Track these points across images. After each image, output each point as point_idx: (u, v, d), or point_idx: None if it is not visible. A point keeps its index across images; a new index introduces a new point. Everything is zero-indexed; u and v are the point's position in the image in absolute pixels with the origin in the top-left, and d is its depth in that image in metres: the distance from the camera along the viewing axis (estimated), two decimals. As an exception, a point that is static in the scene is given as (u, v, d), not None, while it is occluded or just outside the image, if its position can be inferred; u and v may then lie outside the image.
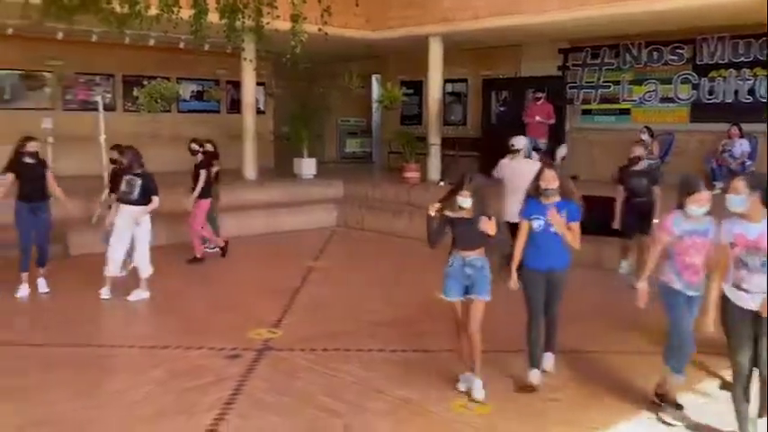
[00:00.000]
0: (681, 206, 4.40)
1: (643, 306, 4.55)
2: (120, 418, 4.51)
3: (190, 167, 9.49)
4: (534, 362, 5.04)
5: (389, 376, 5.22)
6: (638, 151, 7.85)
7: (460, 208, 4.72)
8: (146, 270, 7.46)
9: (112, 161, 8.58)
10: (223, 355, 5.64)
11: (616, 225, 7.90)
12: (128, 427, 4.36)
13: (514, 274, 5.01)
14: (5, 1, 8.83)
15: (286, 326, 6.49)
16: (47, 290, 7.50)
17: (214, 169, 9.59)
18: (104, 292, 7.33)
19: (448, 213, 4.80)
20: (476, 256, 4.79)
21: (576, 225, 4.96)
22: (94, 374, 5.28)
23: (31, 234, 7.39)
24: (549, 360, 5.26)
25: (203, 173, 9.08)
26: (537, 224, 4.95)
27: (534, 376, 5.00)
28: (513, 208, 7.02)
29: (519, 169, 7.55)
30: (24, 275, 7.37)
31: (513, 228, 7.30)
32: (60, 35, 11.51)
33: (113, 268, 7.35)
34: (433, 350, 5.82)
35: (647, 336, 5.93)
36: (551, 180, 4.94)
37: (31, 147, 7.40)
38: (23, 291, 7.36)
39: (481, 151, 14.90)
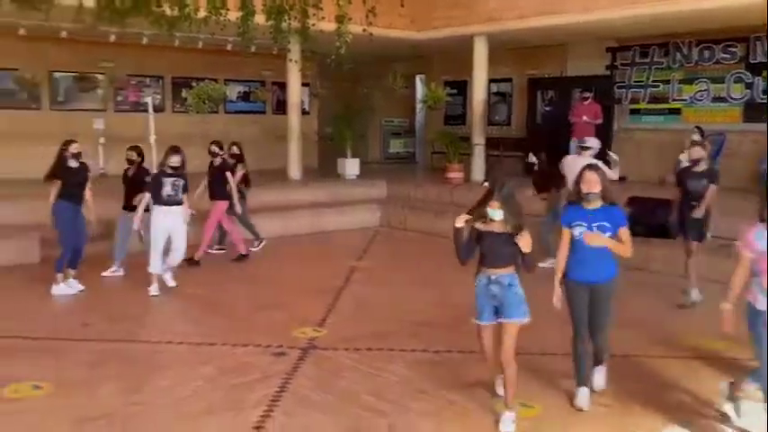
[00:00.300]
0: (763, 219, 4.02)
1: (728, 331, 4.17)
2: (169, 413, 4.59)
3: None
4: (581, 380, 4.69)
5: (433, 377, 5.21)
6: (699, 153, 7.46)
7: (491, 220, 4.30)
8: (177, 260, 7.75)
9: (129, 161, 8.31)
10: (269, 353, 5.71)
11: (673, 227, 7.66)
12: (177, 423, 4.44)
13: (558, 289, 4.65)
14: (60, 5, 9.06)
15: (330, 325, 6.54)
16: (81, 287, 7.54)
17: (240, 172, 9.61)
18: (153, 289, 7.50)
19: (478, 226, 4.38)
20: (504, 273, 4.36)
21: (624, 231, 4.57)
22: (144, 370, 5.39)
23: (72, 235, 7.41)
24: (599, 377, 4.91)
25: (229, 175, 9.10)
26: (578, 231, 4.56)
27: (582, 398, 4.63)
28: None
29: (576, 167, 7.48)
30: (58, 276, 7.42)
31: None
32: (112, 38, 11.80)
33: (158, 266, 7.51)
34: (477, 351, 5.77)
35: (699, 340, 5.79)
36: (593, 184, 4.54)
37: (74, 149, 7.45)
38: (56, 289, 7.39)
39: (526, 151, 14.77)
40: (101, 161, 12.95)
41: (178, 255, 7.70)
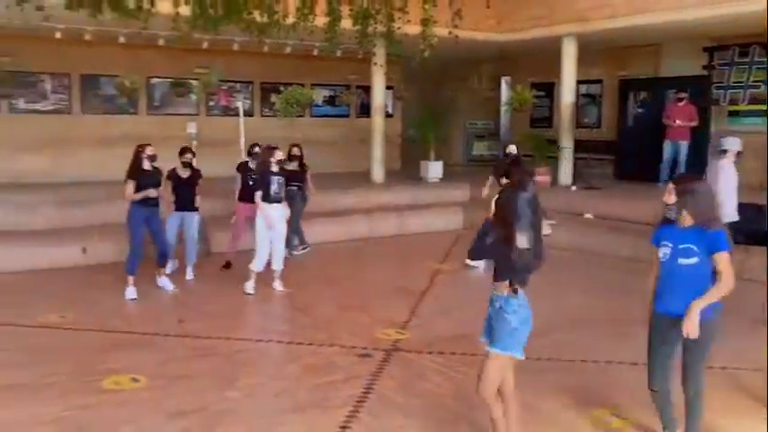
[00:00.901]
0: None
1: None
2: (258, 409, 4.71)
3: (322, 169, 9.76)
4: (667, 426, 4.11)
5: (520, 382, 5.08)
6: None
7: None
8: (280, 264, 7.86)
9: (186, 164, 8.31)
10: (353, 354, 5.77)
11: None
12: (266, 419, 4.54)
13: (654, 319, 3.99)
14: (158, 14, 9.46)
15: (414, 327, 6.54)
16: (171, 287, 7.77)
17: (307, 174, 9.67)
18: (249, 287, 7.69)
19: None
20: (500, 292, 3.73)
21: (722, 257, 3.71)
22: (234, 367, 5.54)
23: (139, 237, 7.49)
24: None
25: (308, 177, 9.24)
26: (662, 253, 3.87)
27: None
28: (725, 208, 6.83)
29: (716, 172, 7.29)
30: (130, 279, 7.46)
31: (733, 227, 6.59)
32: (205, 45, 12.22)
33: (261, 264, 7.70)
34: (567, 359, 5.66)
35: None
36: (669, 194, 3.87)
37: (149, 151, 7.56)
38: (129, 293, 7.45)
39: (617, 155, 14.36)
40: (194, 163, 13.42)
41: (279, 257, 7.83)
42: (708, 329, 3.77)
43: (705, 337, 3.78)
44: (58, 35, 11.01)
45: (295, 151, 9.82)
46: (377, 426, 4.44)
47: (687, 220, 3.82)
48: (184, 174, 8.20)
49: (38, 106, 12.70)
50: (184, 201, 8.18)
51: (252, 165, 8.91)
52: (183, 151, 8.34)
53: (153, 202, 7.55)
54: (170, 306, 7.39)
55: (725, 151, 7.48)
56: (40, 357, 5.64)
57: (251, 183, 8.47)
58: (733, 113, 12.86)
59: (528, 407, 4.70)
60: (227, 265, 8.89)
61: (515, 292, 3.70)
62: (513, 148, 9.68)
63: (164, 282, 7.85)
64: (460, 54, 13.86)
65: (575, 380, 5.22)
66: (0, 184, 11.65)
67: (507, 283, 3.68)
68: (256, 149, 8.99)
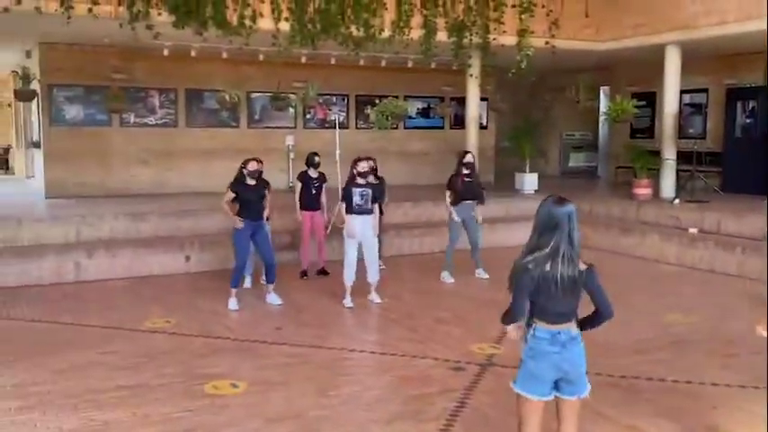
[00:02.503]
0: None
1: None
2: (353, 418, 4.75)
3: (416, 181, 9.73)
4: None
5: (615, 402, 4.95)
6: None
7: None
8: (375, 276, 7.92)
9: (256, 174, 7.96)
10: (447, 367, 5.74)
11: None
12: (361, 428, 4.58)
13: None
14: (259, 31, 9.81)
15: (508, 342, 6.42)
16: (279, 302, 7.81)
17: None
18: (347, 301, 7.78)
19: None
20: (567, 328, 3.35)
21: None
22: (330, 375, 5.63)
23: (245, 251, 7.63)
24: None
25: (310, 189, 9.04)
26: None
27: None
28: None
29: None
30: (233, 291, 7.62)
31: None
32: (303, 59, 12.55)
33: (349, 276, 7.80)
34: (666, 380, 5.42)
35: None
36: None
37: (252, 167, 7.62)
38: (232, 304, 7.59)
39: (724, 166, 13.70)
40: (290, 175, 13.80)
41: (373, 269, 7.91)
42: None
43: None
44: (165, 52, 11.57)
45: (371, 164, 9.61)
46: (471, 440, 4.40)
47: None
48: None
49: (147, 120, 13.39)
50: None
51: (312, 174, 9.05)
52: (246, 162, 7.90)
53: (255, 215, 7.62)
54: (268, 314, 7.58)
55: None
56: (147, 361, 5.91)
57: (313, 191, 8.95)
58: None
59: (623, 427, 4.54)
60: (304, 274, 9.10)
61: (529, 324, 3.39)
62: (469, 157, 9.16)
63: (272, 298, 7.87)
64: (557, 64, 13.62)
65: (675, 401, 4.98)
66: (112, 195, 12.37)
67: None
68: (317, 159, 9.11)
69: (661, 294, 6.82)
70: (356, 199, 7.75)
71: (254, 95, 14.16)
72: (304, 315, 7.47)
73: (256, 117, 14.32)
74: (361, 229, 7.77)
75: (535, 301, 3.31)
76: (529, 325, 3.37)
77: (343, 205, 7.91)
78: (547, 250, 3.26)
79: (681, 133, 13.40)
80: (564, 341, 3.31)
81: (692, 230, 10.41)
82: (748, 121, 13.49)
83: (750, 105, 13.46)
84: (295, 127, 14.57)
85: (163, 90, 13.44)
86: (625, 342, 6.38)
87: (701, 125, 14.55)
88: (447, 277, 9.05)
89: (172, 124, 13.60)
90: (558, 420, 3.46)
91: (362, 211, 7.78)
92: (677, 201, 11.66)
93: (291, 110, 14.27)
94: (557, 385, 3.37)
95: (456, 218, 8.98)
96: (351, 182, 7.89)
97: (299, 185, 9.10)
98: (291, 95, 13.72)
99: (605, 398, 4.96)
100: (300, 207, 9.01)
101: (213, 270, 9.36)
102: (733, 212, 10.53)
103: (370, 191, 7.85)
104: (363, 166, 7.87)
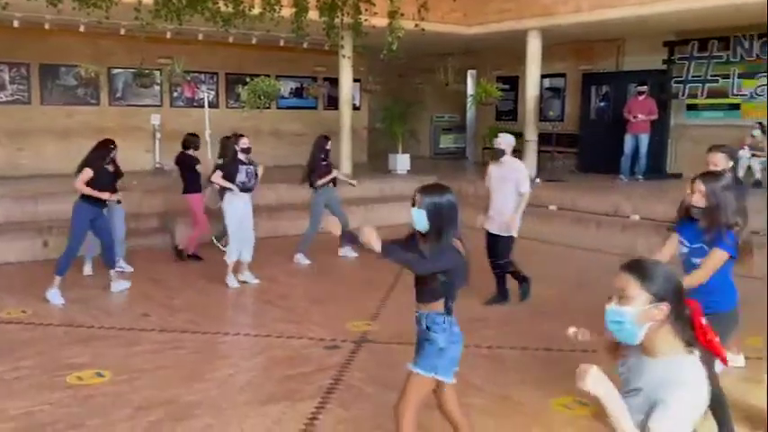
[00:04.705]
0: None
1: None
2: (228, 401, 4.68)
3: (289, 161, 9.67)
4: None
5: (487, 373, 5.19)
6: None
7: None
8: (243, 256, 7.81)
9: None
10: (322, 346, 5.78)
11: None
12: (235, 411, 4.52)
13: None
14: (120, 3, 9.28)
15: (383, 318, 6.57)
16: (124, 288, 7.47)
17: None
18: (231, 280, 7.68)
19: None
20: (427, 310, 3.43)
21: (715, 252, 3.59)
22: (202, 360, 5.50)
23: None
24: None
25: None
26: (679, 250, 3.72)
27: None
28: (495, 217, 6.85)
29: (503, 172, 6.90)
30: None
31: (493, 240, 6.92)
32: (169, 35, 12.04)
33: (235, 255, 7.68)
34: (532, 348, 5.75)
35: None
36: (698, 197, 3.62)
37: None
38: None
39: (580, 148, 14.58)
40: (157, 156, 13.27)
41: (250, 246, 7.82)
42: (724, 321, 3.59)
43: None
44: (15, 24, 10.74)
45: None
46: (346, 416, 4.46)
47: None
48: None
49: (-5, 96, 12.41)
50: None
51: (194, 155, 8.82)
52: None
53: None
54: (135, 300, 7.28)
55: (503, 151, 6.89)
56: (4, 353, 5.53)
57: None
58: (692, 107, 13.16)
59: (494, 396, 4.77)
60: (190, 256, 8.85)
61: (450, 311, 3.37)
62: (330, 144, 9.20)
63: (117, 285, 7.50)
64: (427, 47, 13.92)
65: (539, 368, 5.30)
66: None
67: (442, 301, 3.36)
68: (198, 141, 8.95)
69: (523, 268, 7.20)
70: (242, 177, 7.62)
71: (115, 71, 13.45)
72: (175, 300, 7.24)
73: (118, 94, 13.62)
74: (245, 208, 7.67)
75: (455, 285, 3.38)
76: (450, 311, 3.39)
77: (216, 187, 7.72)
78: (459, 236, 3.39)
79: (541, 116, 14.11)
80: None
81: (552, 207, 11.04)
82: (602, 104, 14.42)
83: (603, 90, 14.40)
84: (161, 105, 13.99)
85: (13, 65, 12.49)
86: (495, 314, 6.70)
87: (560, 108, 15.39)
88: (302, 259, 9.00)
89: (24, 101, 12.67)
90: (441, 398, 3.59)
91: (247, 188, 7.67)
92: (538, 180, 12.29)
93: (157, 87, 13.68)
94: None
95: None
96: (234, 159, 7.70)
97: (177, 169, 8.83)
98: (156, 72, 13.15)
99: (480, 370, 5.19)
100: (191, 190, 8.72)
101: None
102: (588, 191, 11.27)
103: (253, 168, 7.75)
104: (246, 142, 7.73)
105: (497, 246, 6.92)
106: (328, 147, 9.08)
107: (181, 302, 7.14)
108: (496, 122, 15.89)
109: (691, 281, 3.51)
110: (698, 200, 3.61)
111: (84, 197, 7.05)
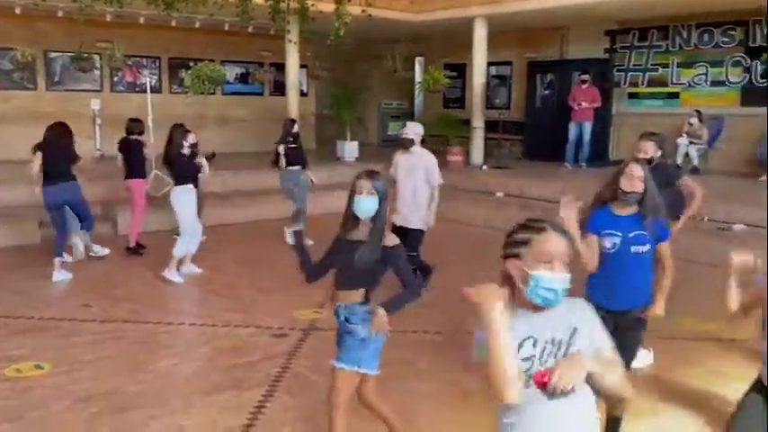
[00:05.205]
0: None
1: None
2: (172, 391, 4.61)
3: (235, 149, 9.55)
4: None
5: (434, 358, 5.23)
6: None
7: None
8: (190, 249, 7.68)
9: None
10: (269, 334, 5.74)
11: None
12: (179, 401, 4.46)
13: None
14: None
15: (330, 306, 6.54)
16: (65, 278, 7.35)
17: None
18: (173, 274, 7.46)
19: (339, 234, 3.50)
20: (344, 301, 3.44)
21: (666, 246, 3.70)
22: (146, 350, 5.40)
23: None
24: None
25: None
26: (611, 243, 3.60)
27: None
28: (403, 209, 6.67)
29: (412, 162, 6.72)
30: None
31: (402, 233, 6.54)
32: (109, 17, 11.69)
33: (185, 248, 7.54)
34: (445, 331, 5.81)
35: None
36: (637, 182, 3.61)
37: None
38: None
39: (526, 135, 14.78)
40: (97, 142, 12.90)
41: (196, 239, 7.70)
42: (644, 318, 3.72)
43: (641, 327, 3.71)
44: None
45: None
46: (293, 404, 4.45)
47: (631, 207, 3.65)
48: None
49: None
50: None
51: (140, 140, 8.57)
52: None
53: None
54: (74, 290, 7.09)
55: (411, 141, 6.71)
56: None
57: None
58: (633, 95, 13.49)
59: (445, 382, 4.82)
60: (135, 248, 8.60)
61: (368, 300, 3.36)
62: (297, 127, 9.35)
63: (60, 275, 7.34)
64: (375, 33, 13.87)
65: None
66: None
67: (362, 291, 3.38)
68: (142, 126, 8.69)
69: (476, 255, 7.29)
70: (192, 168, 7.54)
71: (52, 55, 13.00)
72: (118, 290, 7.07)
73: (56, 79, 13.19)
74: (193, 200, 7.54)
75: (382, 270, 3.37)
76: (368, 300, 3.38)
77: (161, 174, 7.56)
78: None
79: (488, 103, 14.28)
80: None
81: (499, 194, 11.18)
82: (546, 92, 14.64)
83: (548, 78, 14.62)
84: (101, 90, 13.60)
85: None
86: (443, 299, 6.75)
87: (507, 96, 15.57)
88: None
89: (-45, 85, 12.16)
90: (363, 389, 3.53)
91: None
92: (485, 167, 12.44)
93: (96, 72, 13.29)
94: None
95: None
96: (179, 154, 7.52)
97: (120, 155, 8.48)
98: (96, 56, 12.76)
99: (427, 355, 5.23)
100: (135, 176, 8.43)
101: (13, 246, 8.56)
102: (534, 177, 11.45)
103: (198, 163, 7.68)
104: (192, 138, 7.63)
105: (405, 239, 6.81)
106: (295, 129, 9.24)
107: (123, 292, 6.98)
108: (444, 109, 15.98)
109: (668, 282, 3.71)
110: (638, 186, 3.59)
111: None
